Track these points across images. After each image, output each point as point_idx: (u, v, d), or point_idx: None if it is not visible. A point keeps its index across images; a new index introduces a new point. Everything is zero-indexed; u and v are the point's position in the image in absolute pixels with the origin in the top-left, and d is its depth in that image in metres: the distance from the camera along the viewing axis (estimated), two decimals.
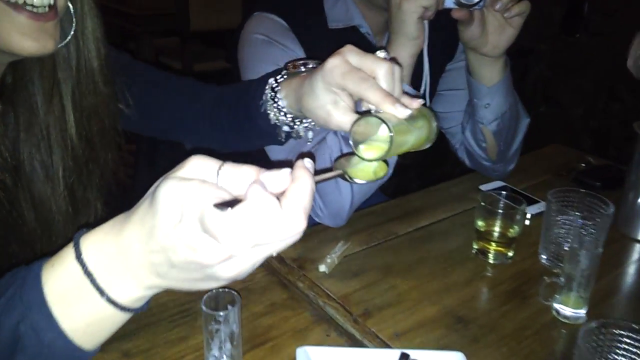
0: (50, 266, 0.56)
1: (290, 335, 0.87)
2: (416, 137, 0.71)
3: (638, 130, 1.12)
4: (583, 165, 1.46)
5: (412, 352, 0.80)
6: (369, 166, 0.68)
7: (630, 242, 1.18)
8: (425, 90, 1.24)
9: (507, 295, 1.00)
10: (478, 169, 1.42)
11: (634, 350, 0.71)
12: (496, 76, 1.20)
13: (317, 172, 0.54)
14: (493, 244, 1.09)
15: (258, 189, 0.48)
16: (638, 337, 0.71)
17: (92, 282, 0.54)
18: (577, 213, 1.01)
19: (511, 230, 1.07)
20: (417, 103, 0.72)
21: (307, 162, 0.52)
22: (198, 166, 0.52)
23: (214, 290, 0.74)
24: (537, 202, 1.27)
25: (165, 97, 1.06)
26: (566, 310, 0.93)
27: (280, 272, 1.03)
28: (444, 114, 1.42)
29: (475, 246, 1.11)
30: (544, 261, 1.07)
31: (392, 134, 0.64)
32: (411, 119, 0.70)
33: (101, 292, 0.55)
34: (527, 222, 1.19)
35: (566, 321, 0.93)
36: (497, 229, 1.08)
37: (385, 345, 0.87)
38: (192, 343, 0.84)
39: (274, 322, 0.90)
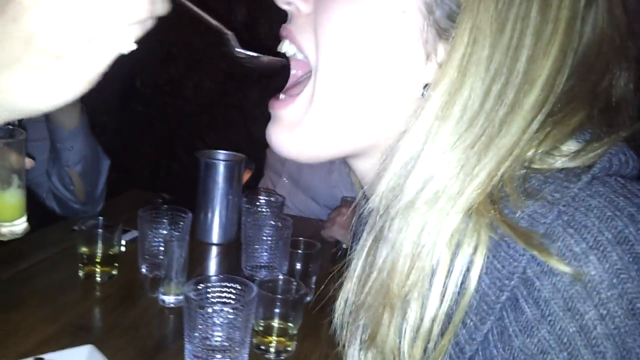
0: None
1: None
2: None
3: (200, 157, 1.43)
4: (160, 200, 1.71)
5: (45, 356, 0.84)
6: None
7: (208, 246, 1.47)
8: None
9: (120, 301, 1.13)
10: (69, 214, 1.50)
11: (223, 294, 0.95)
12: (75, 121, 1.33)
13: None
14: (98, 266, 1.20)
15: None
16: (223, 284, 0.94)
17: None
18: (164, 220, 1.23)
19: (112, 249, 1.21)
20: None
21: None
22: None
23: None
24: (130, 230, 1.44)
25: None
26: (170, 298, 1.11)
27: None
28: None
29: (81, 272, 1.20)
30: (144, 271, 1.24)
31: None
32: None
33: None
34: (123, 249, 1.34)
35: (172, 306, 1.11)
36: (99, 250, 1.20)
37: None
38: None
39: None
